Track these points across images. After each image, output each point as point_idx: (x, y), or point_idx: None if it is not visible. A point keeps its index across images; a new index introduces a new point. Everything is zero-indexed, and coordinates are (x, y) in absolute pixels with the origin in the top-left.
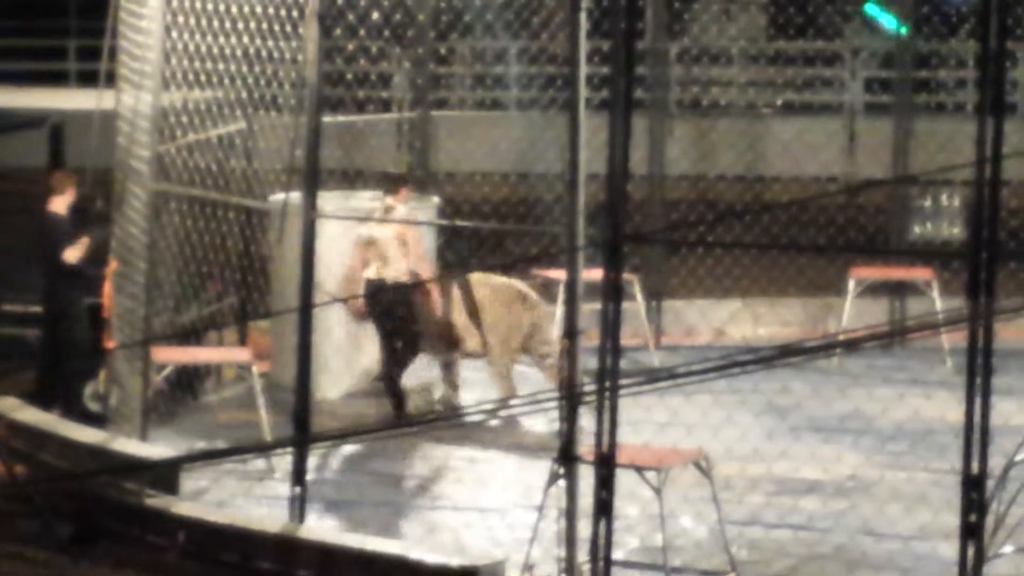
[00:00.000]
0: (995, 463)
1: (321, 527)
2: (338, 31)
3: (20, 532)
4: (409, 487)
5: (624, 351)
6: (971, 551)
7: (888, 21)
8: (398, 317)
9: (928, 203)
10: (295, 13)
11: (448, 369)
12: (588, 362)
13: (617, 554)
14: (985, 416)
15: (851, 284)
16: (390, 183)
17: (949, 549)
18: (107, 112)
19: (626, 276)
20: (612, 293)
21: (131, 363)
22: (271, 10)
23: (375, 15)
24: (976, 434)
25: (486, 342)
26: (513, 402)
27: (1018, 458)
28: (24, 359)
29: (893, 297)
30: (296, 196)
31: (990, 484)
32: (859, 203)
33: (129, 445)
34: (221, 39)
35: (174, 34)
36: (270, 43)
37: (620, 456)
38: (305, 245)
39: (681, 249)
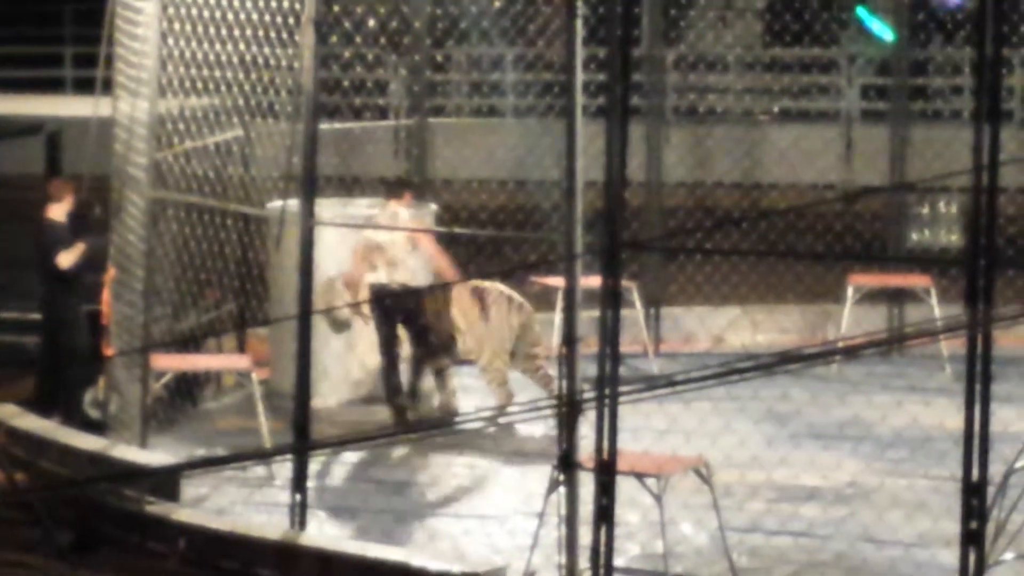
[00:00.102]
0: (995, 470)
1: (322, 534)
2: (334, 38)
3: (21, 539)
4: (410, 494)
5: (623, 358)
6: (972, 558)
7: (879, 28)
8: (416, 321)
9: (925, 210)
10: (291, 20)
11: (440, 376)
12: (587, 369)
13: (618, 561)
14: (985, 423)
15: (849, 291)
16: (393, 187)
17: (949, 556)
18: (104, 119)
19: (624, 283)
20: (610, 300)
21: (130, 370)
22: (267, 17)
23: (371, 22)
24: (976, 441)
25: (476, 346)
26: (513, 409)
27: (1018, 465)
28: (23, 366)
29: (891, 304)
30: (294, 203)
31: (990, 491)
32: (856, 210)
33: (129, 452)
34: (217, 46)
35: (170, 41)
36: (266, 50)
37: (620, 463)
38: (303, 252)
39: (679, 256)
